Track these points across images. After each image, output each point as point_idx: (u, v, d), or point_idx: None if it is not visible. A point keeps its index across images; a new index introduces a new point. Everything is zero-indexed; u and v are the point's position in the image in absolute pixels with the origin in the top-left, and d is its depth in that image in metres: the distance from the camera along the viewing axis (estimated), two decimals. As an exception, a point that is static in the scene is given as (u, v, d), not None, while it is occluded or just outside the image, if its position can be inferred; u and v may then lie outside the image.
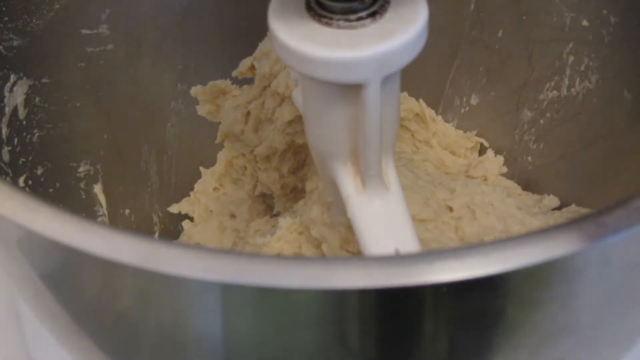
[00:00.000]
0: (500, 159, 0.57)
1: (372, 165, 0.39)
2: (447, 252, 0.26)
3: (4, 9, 0.46)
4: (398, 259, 0.26)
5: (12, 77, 0.47)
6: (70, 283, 0.31)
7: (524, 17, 0.54)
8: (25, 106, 0.48)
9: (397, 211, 0.40)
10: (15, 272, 0.33)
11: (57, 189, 0.50)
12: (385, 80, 0.36)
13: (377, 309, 0.27)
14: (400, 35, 0.34)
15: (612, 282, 0.29)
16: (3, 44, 0.46)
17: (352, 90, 0.36)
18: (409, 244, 0.39)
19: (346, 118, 0.37)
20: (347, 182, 0.40)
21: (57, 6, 0.49)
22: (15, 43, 0.47)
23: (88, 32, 0.52)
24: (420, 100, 0.58)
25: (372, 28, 0.35)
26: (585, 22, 0.51)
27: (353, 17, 0.35)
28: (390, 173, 0.40)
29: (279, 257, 0.32)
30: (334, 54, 0.34)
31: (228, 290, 0.27)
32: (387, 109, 0.37)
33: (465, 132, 0.59)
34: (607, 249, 0.27)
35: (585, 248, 0.26)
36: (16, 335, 0.50)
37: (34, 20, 0.48)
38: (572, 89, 0.53)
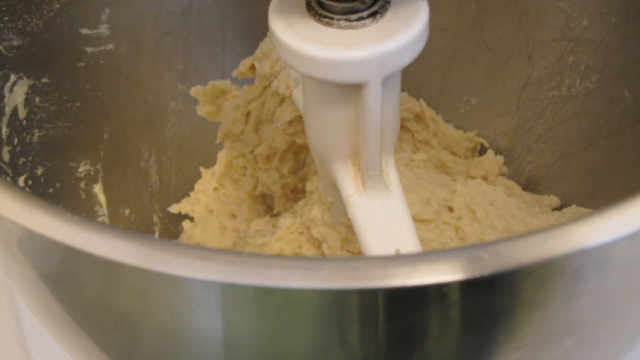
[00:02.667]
0: (501, 159, 0.57)
1: (372, 165, 0.39)
2: (447, 252, 0.26)
3: (4, 8, 0.46)
4: (398, 259, 0.26)
5: (12, 77, 0.47)
6: (70, 283, 0.31)
7: (524, 17, 0.54)
8: (25, 106, 0.48)
9: (398, 211, 0.39)
10: (15, 272, 0.33)
11: (57, 189, 0.50)
12: (386, 80, 0.36)
13: (377, 309, 0.27)
14: (400, 35, 0.34)
15: (612, 282, 0.29)
16: (3, 43, 0.46)
17: (352, 90, 0.36)
18: (410, 244, 0.39)
19: (346, 118, 0.37)
20: (348, 182, 0.40)
21: (57, 6, 0.49)
22: (15, 43, 0.47)
23: (88, 32, 0.52)
24: (421, 100, 0.58)
25: (372, 28, 0.35)
26: (585, 22, 0.51)
27: (354, 17, 0.35)
28: (391, 173, 0.40)
29: (279, 257, 0.32)
30: (335, 54, 0.34)
31: (228, 290, 0.27)
32: (388, 109, 0.37)
33: (465, 132, 0.59)
34: (607, 249, 0.27)
35: (585, 248, 0.26)
36: (16, 336, 0.50)
37: (34, 20, 0.48)
38: (573, 89, 0.53)
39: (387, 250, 0.38)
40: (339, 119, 0.38)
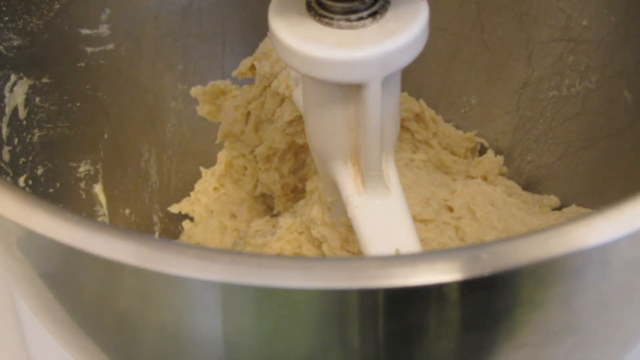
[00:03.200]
0: (501, 158, 0.57)
1: (372, 165, 0.39)
2: (447, 252, 0.26)
3: (4, 9, 0.46)
4: (398, 259, 0.26)
5: (13, 77, 0.47)
6: (70, 283, 0.31)
7: (524, 17, 0.54)
8: (25, 106, 0.48)
9: (398, 211, 0.39)
10: (16, 272, 0.33)
11: (57, 189, 0.50)
12: (386, 80, 0.36)
13: (377, 309, 0.27)
14: (401, 35, 0.34)
15: (612, 282, 0.29)
16: (3, 44, 0.46)
17: (352, 90, 0.36)
18: (410, 244, 0.39)
19: (346, 118, 0.37)
20: (348, 182, 0.40)
21: (58, 6, 0.49)
22: (15, 43, 0.47)
23: (88, 32, 0.52)
24: (421, 100, 0.58)
25: (372, 28, 0.35)
26: (585, 22, 0.51)
27: (354, 17, 0.35)
28: (391, 173, 0.40)
29: (279, 257, 0.32)
30: (335, 54, 0.34)
31: (228, 291, 0.27)
32: (388, 109, 0.37)
33: (465, 132, 0.59)
34: (607, 249, 0.27)
35: (585, 248, 0.26)
36: (16, 336, 0.50)
37: (34, 20, 0.48)
38: (572, 89, 0.53)
39: (387, 250, 0.38)
40: (338, 118, 0.38)
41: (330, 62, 0.34)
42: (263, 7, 0.37)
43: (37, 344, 0.49)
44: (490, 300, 0.27)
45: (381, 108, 0.36)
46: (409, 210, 0.40)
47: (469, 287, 0.26)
